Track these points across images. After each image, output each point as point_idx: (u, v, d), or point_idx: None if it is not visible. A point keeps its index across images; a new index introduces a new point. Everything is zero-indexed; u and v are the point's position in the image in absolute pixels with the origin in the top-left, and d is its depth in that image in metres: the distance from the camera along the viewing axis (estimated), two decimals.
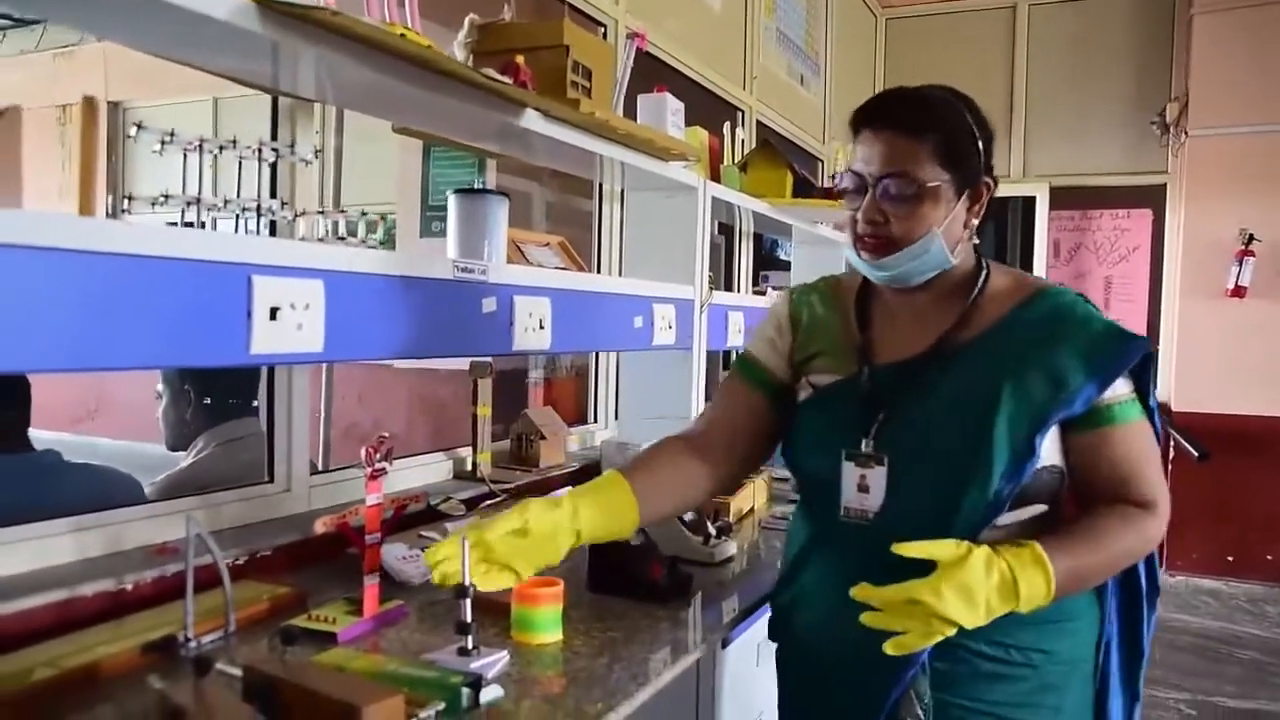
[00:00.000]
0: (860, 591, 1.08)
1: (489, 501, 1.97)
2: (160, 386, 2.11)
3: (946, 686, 1.21)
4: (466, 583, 1.09)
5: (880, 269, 1.23)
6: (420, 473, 2.06)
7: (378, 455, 1.32)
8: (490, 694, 1.07)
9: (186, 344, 1.14)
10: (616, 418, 2.81)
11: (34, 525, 1.32)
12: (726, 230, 3.80)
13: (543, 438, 2.25)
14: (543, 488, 2.13)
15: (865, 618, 1.07)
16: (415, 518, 1.79)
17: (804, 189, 3.19)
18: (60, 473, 1.63)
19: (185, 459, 2.05)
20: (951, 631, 1.06)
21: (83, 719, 1.01)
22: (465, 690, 1.05)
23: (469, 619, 1.14)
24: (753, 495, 2.20)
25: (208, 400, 2.08)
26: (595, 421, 2.91)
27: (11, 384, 1.65)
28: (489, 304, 1.67)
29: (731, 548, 1.76)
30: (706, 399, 2.73)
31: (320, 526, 1.27)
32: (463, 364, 2.31)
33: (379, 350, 1.44)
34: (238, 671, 1.03)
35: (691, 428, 1.42)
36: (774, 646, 1.42)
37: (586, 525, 1.17)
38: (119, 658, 1.12)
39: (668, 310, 2.33)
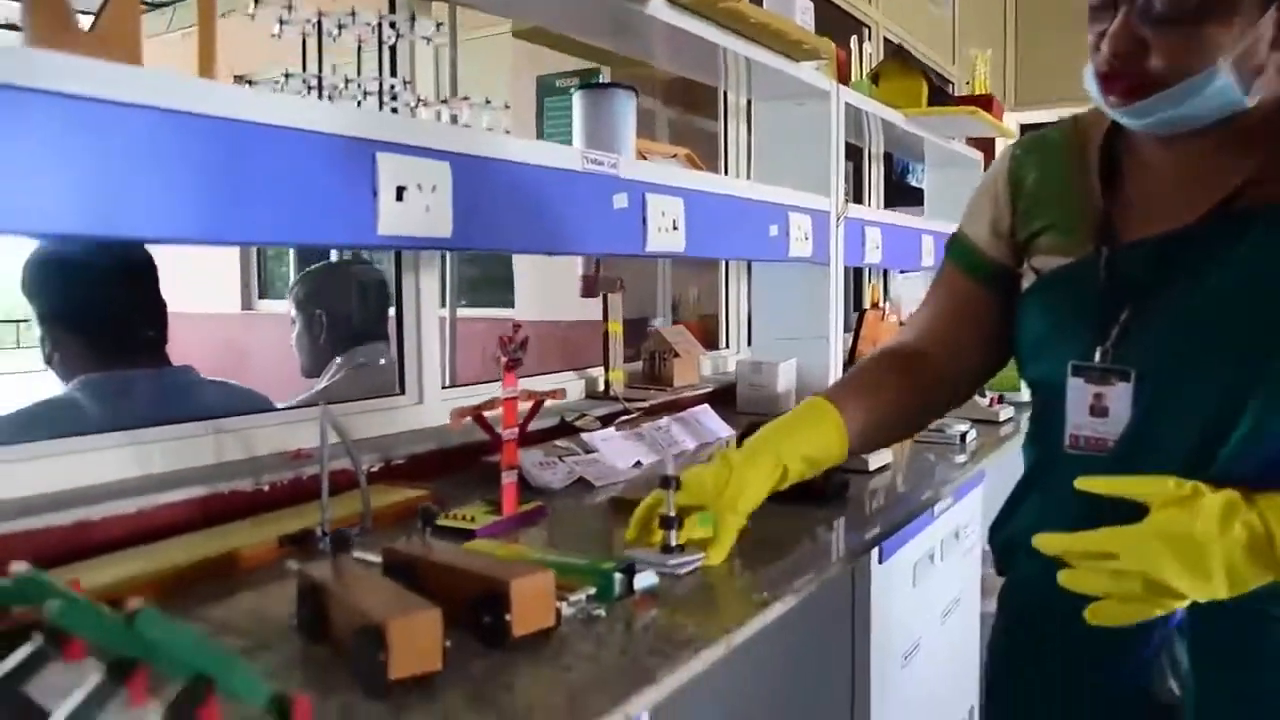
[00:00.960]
0: (1041, 539, 0.84)
1: (624, 418, 1.88)
2: (293, 313, 2.11)
3: (1211, 657, 0.88)
4: (670, 472, 1.03)
5: (1134, 115, 0.89)
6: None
7: (512, 345, 1.24)
8: (645, 580, 0.98)
9: (313, 221, 1.09)
10: (750, 344, 2.70)
11: (172, 427, 1.30)
12: (854, 155, 3.61)
13: (676, 355, 2.15)
14: (677, 406, 2.04)
15: (1062, 576, 0.83)
16: (550, 432, 1.73)
17: (940, 99, 3.01)
18: (197, 387, 1.62)
19: (319, 383, 2.04)
20: (1180, 604, 0.80)
21: (226, 598, 0.98)
22: (619, 576, 0.96)
23: (673, 513, 1.05)
24: None
25: (340, 323, 2.07)
26: (728, 347, 2.80)
27: (150, 306, 1.66)
28: (620, 200, 1.58)
29: (887, 455, 1.63)
30: (845, 325, 2.59)
31: (456, 417, 1.21)
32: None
33: (506, 241, 1.37)
34: (376, 558, 0.97)
35: (902, 335, 1.16)
36: (942, 572, 1.23)
37: (795, 477, 1.07)
38: (257, 548, 1.09)
39: (804, 220, 2.19)
